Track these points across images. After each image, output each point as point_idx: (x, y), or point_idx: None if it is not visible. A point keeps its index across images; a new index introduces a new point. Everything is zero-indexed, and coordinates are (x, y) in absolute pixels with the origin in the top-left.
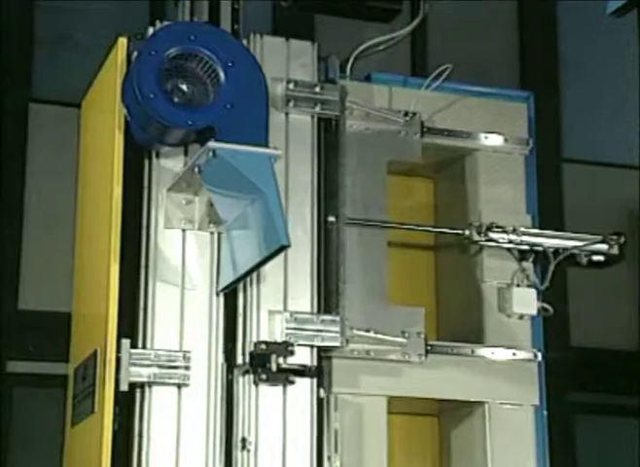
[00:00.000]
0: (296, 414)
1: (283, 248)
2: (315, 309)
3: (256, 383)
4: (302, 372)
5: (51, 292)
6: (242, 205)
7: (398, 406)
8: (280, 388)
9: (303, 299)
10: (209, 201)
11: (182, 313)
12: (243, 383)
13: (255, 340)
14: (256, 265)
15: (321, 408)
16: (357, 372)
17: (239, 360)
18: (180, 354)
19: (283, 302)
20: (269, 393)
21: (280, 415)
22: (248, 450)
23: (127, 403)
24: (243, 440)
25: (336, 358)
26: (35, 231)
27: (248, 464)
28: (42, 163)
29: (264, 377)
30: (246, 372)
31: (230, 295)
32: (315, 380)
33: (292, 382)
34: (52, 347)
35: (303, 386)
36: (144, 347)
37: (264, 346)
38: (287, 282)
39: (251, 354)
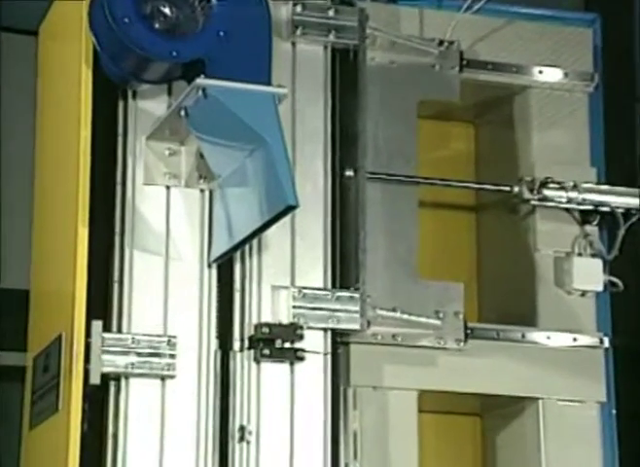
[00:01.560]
0: (306, 402)
1: (290, 209)
2: (329, 284)
3: (257, 360)
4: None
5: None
6: (239, 157)
7: (431, 402)
8: (287, 367)
9: (315, 271)
10: (198, 152)
11: (166, 289)
12: (241, 360)
13: (255, 321)
14: (256, 230)
15: (336, 404)
16: (381, 361)
17: (236, 346)
18: (164, 339)
19: (290, 275)
20: (274, 372)
21: (287, 400)
22: (248, 442)
23: (99, 399)
24: (242, 429)
25: (354, 344)
26: None
27: (248, 459)
28: None
29: (266, 352)
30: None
31: (224, 267)
32: (329, 359)
33: (301, 359)
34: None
35: (316, 367)
36: (119, 331)
37: (266, 330)
38: (294, 251)
39: (251, 339)
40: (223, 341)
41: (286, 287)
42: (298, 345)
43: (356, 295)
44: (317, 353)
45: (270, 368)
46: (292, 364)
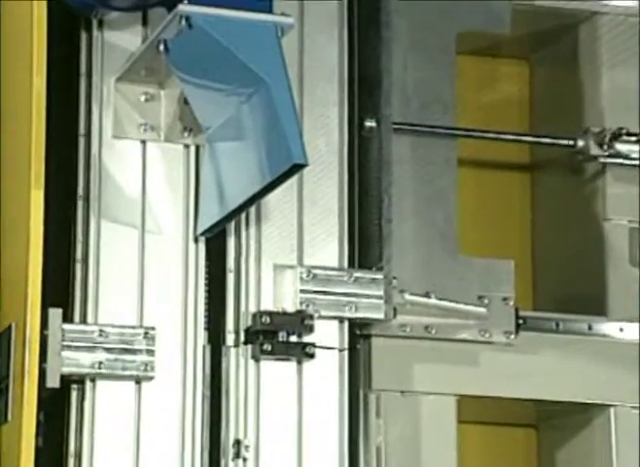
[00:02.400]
0: (317, 410)
1: (297, 168)
2: (345, 263)
3: (256, 358)
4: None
5: None
6: (233, 104)
7: (473, 411)
8: (293, 367)
9: (328, 247)
10: (182, 98)
11: (142, 270)
12: (237, 358)
13: (254, 309)
14: (254, 195)
15: (355, 413)
16: (410, 359)
17: (230, 340)
18: (140, 332)
19: (297, 251)
20: (277, 373)
21: (294, 408)
22: (244, 459)
23: (59, 407)
24: (237, 443)
25: (377, 338)
26: None
27: None
28: None
29: (267, 347)
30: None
31: (215, 241)
32: (346, 356)
33: (311, 356)
34: None
35: (329, 366)
36: (83, 321)
37: (267, 320)
38: (302, 221)
39: (248, 332)
40: (213, 333)
41: (292, 266)
42: (306, 339)
43: (379, 276)
44: (331, 349)
45: (273, 367)
46: (299, 362)
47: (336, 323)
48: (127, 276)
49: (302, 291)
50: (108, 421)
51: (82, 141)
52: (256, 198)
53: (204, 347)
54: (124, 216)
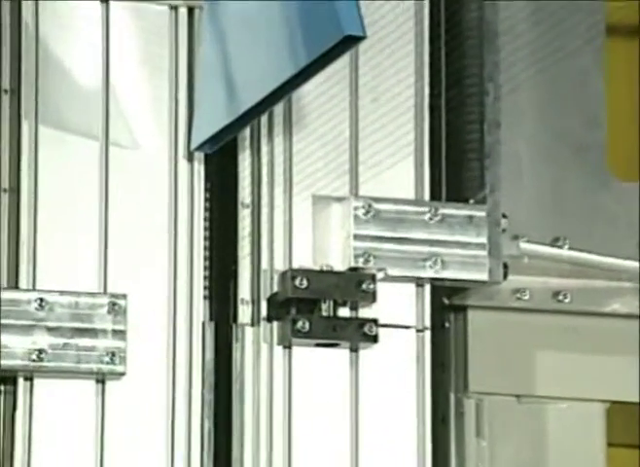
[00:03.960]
0: (382, 423)
1: (349, 43)
2: (427, 194)
3: (286, 343)
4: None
5: None
6: None
7: (629, 426)
8: (345, 356)
9: (398, 169)
10: None
11: (105, 203)
12: (256, 342)
13: (282, 267)
14: (280, 88)
15: (443, 427)
16: (530, 344)
17: (244, 316)
18: (103, 301)
19: (350, 176)
20: (319, 366)
21: (346, 418)
22: None
23: None
24: None
25: (478, 310)
26: None
27: None
28: None
29: (304, 326)
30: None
31: (219, 161)
32: (428, 338)
33: (372, 339)
34: None
35: (402, 355)
36: (15, 287)
37: (303, 282)
38: (357, 130)
39: (271, 302)
40: (218, 305)
41: (342, 199)
42: (366, 314)
43: (480, 213)
44: (404, 329)
45: (311, 357)
46: (354, 350)
47: (411, 288)
48: (82, 213)
49: (359, 237)
50: (53, 442)
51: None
52: (282, 94)
53: (204, 326)
54: (74, 117)
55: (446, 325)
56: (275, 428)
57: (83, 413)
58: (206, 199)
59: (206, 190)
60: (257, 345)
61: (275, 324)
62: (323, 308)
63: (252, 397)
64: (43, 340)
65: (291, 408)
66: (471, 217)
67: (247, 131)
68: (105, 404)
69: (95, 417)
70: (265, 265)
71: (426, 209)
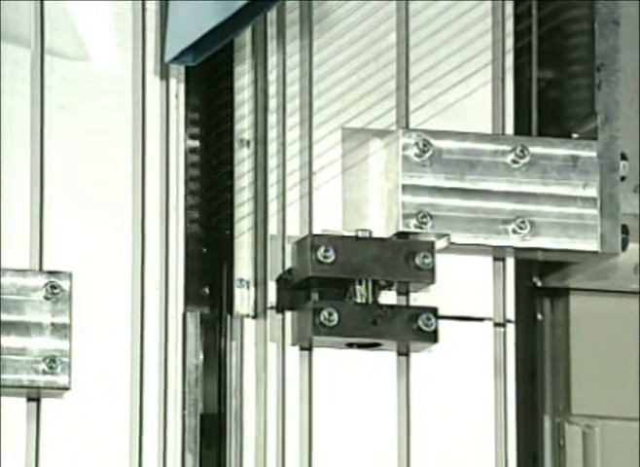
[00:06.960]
0: (440, 452)
1: None
2: (509, 126)
3: (305, 344)
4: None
5: None
6: None
7: None
8: (392, 361)
9: (462, 90)
10: None
11: (41, 141)
12: (260, 346)
13: (298, 232)
14: None
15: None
16: None
17: (244, 304)
18: (38, 283)
19: (395, 101)
20: (353, 374)
21: (393, 448)
22: None
23: None
24: None
25: (583, 296)
26: None
27: None
28: None
29: (331, 316)
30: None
31: (208, 78)
32: (512, 338)
33: (431, 338)
34: None
35: (472, 362)
36: None
37: (329, 254)
38: (407, 31)
39: (283, 282)
40: (207, 288)
41: (384, 132)
42: (420, 301)
43: (588, 153)
44: (477, 321)
45: (341, 362)
46: (404, 352)
47: (487, 263)
48: (8, 150)
49: (410, 189)
50: None
51: None
52: None
53: (185, 318)
54: (11, 28)
55: (539, 317)
56: (289, 464)
57: (9, 443)
58: (191, 136)
59: (191, 122)
60: (262, 346)
61: (289, 315)
62: (358, 293)
63: (255, 421)
64: None
65: (311, 436)
66: (575, 158)
67: (246, 36)
68: (40, 430)
69: (26, 450)
70: (273, 229)
71: (509, 148)
